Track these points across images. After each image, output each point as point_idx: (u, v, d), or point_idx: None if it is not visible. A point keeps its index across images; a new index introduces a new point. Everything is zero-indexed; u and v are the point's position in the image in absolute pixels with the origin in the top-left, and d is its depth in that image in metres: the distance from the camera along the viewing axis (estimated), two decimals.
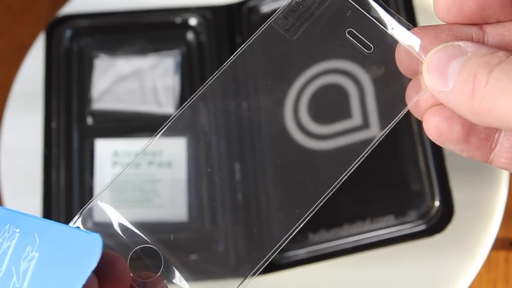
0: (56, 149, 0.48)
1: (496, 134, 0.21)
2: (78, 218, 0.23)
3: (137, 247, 0.22)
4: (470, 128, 0.20)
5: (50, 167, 0.47)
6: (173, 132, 0.45)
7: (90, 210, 0.23)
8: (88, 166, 0.48)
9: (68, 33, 0.51)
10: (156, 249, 0.23)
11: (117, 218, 0.24)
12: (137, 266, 0.23)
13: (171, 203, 0.47)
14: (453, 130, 0.20)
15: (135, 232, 0.23)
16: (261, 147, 0.48)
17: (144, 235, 0.23)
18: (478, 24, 0.21)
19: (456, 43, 0.20)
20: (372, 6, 0.23)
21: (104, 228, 0.23)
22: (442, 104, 0.20)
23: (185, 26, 0.51)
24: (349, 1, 0.22)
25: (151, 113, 0.49)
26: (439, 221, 0.42)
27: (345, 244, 0.43)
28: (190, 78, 0.50)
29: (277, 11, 0.23)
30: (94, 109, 0.49)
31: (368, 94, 0.45)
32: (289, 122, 0.40)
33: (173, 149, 0.48)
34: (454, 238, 0.44)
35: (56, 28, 0.50)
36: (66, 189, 0.47)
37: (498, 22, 0.21)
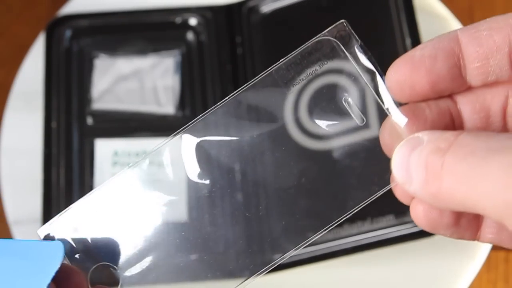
0: (56, 149, 0.48)
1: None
2: (46, 226, 0.23)
3: (96, 265, 0.22)
4: (459, 212, 0.20)
5: (50, 167, 0.47)
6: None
7: (60, 222, 0.23)
8: (88, 166, 0.48)
9: (68, 33, 0.51)
10: (114, 267, 0.23)
11: (82, 234, 0.24)
12: (96, 282, 0.23)
13: (171, 203, 0.47)
14: (443, 216, 0.21)
15: (97, 250, 0.23)
16: (261, 147, 0.48)
17: (104, 254, 0.23)
18: (449, 96, 0.21)
19: (416, 134, 0.20)
20: (377, 80, 0.23)
21: (68, 242, 0.23)
22: None
23: (185, 26, 0.51)
24: (355, 68, 0.22)
25: (151, 113, 0.49)
26: None
27: (345, 244, 0.43)
28: (190, 78, 0.50)
29: (280, 61, 0.23)
30: (94, 109, 0.49)
31: (368, 94, 0.45)
32: (289, 122, 0.40)
33: (173, 149, 0.48)
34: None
35: (56, 28, 0.50)
36: (66, 189, 0.47)
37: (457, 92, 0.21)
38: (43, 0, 0.59)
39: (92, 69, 0.50)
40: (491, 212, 0.17)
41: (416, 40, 0.44)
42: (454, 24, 0.50)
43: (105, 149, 0.48)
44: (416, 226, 0.43)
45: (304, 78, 0.24)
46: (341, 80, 0.48)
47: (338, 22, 0.22)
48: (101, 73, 0.50)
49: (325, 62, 0.23)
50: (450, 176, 0.18)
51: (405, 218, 0.43)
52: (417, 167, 0.19)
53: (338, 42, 0.22)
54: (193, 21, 0.51)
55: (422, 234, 0.42)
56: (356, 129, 0.47)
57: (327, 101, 0.47)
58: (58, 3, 0.55)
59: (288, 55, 0.23)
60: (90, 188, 0.47)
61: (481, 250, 0.45)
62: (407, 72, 0.20)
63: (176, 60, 0.50)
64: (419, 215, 0.21)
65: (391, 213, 0.43)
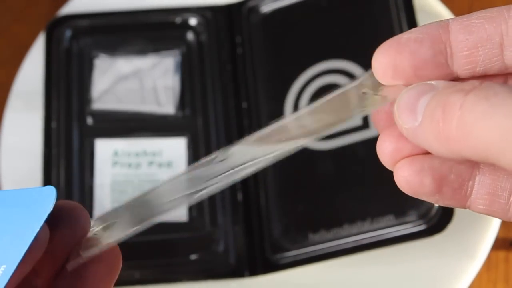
0: (56, 149, 0.48)
1: (470, 182, 0.20)
2: None
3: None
4: (441, 180, 0.20)
5: (50, 167, 0.47)
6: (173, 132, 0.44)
7: None
8: (88, 166, 0.48)
9: (68, 33, 0.51)
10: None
11: None
12: None
13: (171, 203, 0.47)
14: (424, 183, 0.20)
15: None
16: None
17: None
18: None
19: (428, 82, 0.19)
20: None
21: None
22: (410, 156, 0.20)
23: (185, 26, 0.51)
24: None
25: (151, 113, 0.49)
26: (439, 221, 0.42)
27: (345, 244, 0.43)
28: (190, 78, 0.50)
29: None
30: (94, 109, 0.49)
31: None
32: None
33: (173, 149, 0.48)
34: (454, 238, 0.44)
35: (56, 28, 0.50)
36: (66, 189, 0.47)
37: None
38: (43, 0, 0.59)
39: (92, 69, 0.50)
40: (506, 159, 0.16)
41: None
42: None
43: (105, 149, 0.48)
44: (416, 226, 0.43)
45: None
46: (341, 80, 0.48)
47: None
48: (101, 73, 0.50)
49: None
50: (468, 114, 0.17)
51: (405, 218, 0.43)
52: (431, 106, 0.18)
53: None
54: (193, 21, 0.51)
55: (422, 234, 0.42)
56: (356, 129, 0.47)
57: None
58: (58, 3, 0.55)
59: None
60: (90, 188, 0.47)
61: (481, 250, 0.45)
62: (391, 54, 0.20)
63: (176, 60, 0.50)
64: (401, 182, 0.21)
65: (391, 213, 0.43)
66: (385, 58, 0.20)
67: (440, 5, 0.51)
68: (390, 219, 0.43)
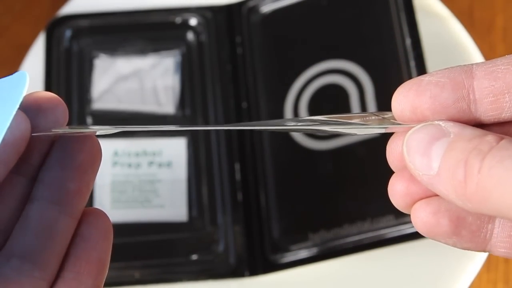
0: None
1: (490, 225, 0.20)
2: None
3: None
4: (458, 222, 0.20)
5: None
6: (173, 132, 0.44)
7: None
8: None
9: (68, 33, 0.51)
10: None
11: None
12: None
13: (171, 203, 0.47)
14: (440, 224, 0.20)
15: None
16: (261, 147, 0.48)
17: None
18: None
19: (436, 122, 0.19)
20: None
21: None
22: (426, 197, 0.20)
23: (185, 26, 0.51)
24: None
25: (151, 113, 0.49)
26: None
27: (345, 244, 0.43)
28: (190, 78, 0.50)
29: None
30: (94, 109, 0.49)
31: (368, 94, 0.45)
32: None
33: (173, 149, 0.48)
34: None
35: (56, 28, 0.50)
36: None
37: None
38: (43, 0, 0.59)
39: (92, 69, 0.50)
40: None
41: (416, 40, 0.44)
42: (454, 24, 0.50)
43: (105, 149, 0.48)
44: None
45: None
46: (341, 80, 0.48)
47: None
48: (101, 73, 0.50)
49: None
50: (485, 179, 0.17)
51: (405, 218, 0.43)
52: (451, 161, 0.18)
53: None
54: (193, 21, 0.51)
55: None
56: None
57: (327, 101, 0.47)
58: (58, 3, 0.55)
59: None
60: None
61: None
62: (410, 96, 0.20)
63: (176, 60, 0.50)
64: (418, 223, 0.21)
65: (391, 213, 0.43)
66: (404, 99, 0.20)
67: (440, 5, 0.51)
68: (390, 219, 0.43)
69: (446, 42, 0.50)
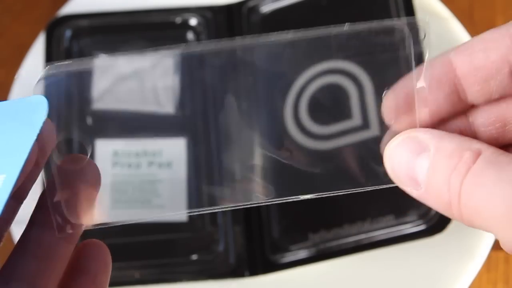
0: None
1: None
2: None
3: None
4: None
5: (50, 167, 0.47)
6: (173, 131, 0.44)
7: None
8: None
9: (68, 33, 0.51)
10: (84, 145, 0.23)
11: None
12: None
13: (171, 203, 0.47)
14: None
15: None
16: (262, 147, 0.47)
17: None
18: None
19: (412, 134, 0.19)
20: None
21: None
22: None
23: (185, 26, 0.51)
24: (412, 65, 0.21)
25: (151, 113, 0.49)
26: (439, 221, 0.42)
27: (345, 244, 0.43)
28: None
29: (343, 27, 0.22)
30: (94, 109, 0.49)
31: (368, 94, 0.45)
32: (289, 122, 0.40)
33: (173, 149, 0.48)
34: (454, 238, 0.44)
35: (56, 28, 0.50)
36: None
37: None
38: (43, 0, 0.59)
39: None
40: (505, 239, 0.18)
41: None
42: (454, 24, 0.50)
43: (105, 149, 0.48)
44: (416, 226, 0.43)
45: (358, 55, 0.23)
46: (341, 80, 0.48)
47: (420, 19, 0.21)
48: (101, 73, 0.50)
49: (387, 49, 0.22)
50: (466, 205, 0.18)
51: (405, 218, 0.43)
52: (435, 182, 0.19)
53: (410, 36, 0.21)
54: (193, 21, 0.51)
55: (422, 234, 0.42)
56: (356, 129, 0.47)
57: (327, 101, 0.47)
58: (58, 3, 0.55)
59: (355, 26, 0.22)
60: None
61: (481, 250, 0.45)
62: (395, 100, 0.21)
63: (176, 60, 0.50)
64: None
65: (391, 213, 0.43)
66: (391, 102, 0.20)
67: (440, 5, 0.51)
68: (390, 219, 0.43)
69: (446, 42, 0.50)
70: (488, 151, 0.18)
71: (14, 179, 0.18)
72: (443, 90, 0.20)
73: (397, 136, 0.20)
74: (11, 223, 0.21)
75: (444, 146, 0.19)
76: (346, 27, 0.22)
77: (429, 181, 0.19)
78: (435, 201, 0.19)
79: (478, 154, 0.18)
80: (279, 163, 0.42)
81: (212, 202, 0.47)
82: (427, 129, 0.19)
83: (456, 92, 0.20)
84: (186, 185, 0.47)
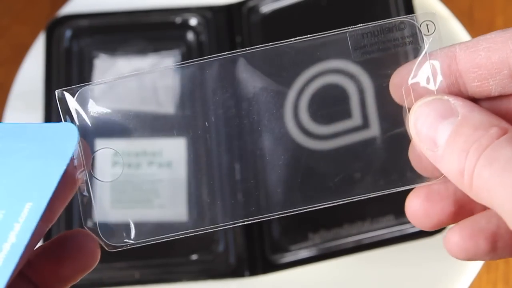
0: None
1: None
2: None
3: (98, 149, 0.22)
4: (494, 237, 0.20)
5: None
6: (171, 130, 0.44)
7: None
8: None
9: (68, 33, 0.51)
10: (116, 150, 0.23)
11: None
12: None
13: (171, 203, 0.47)
14: (479, 246, 0.20)
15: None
16: (262, 147, 0.47)
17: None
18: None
19: (445, 97, 0.20)
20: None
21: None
22: (460, 221, 0.21)
23: (185, 26, 0.51)
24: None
25: (151, 113, 0.49)
26: None
27: (345, 244, 0.43)
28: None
29: (357, 25, 0.22)
30: (94, 109, 0.49)
31: (368, 94, 0.45)
32: (289, 122, 0.40)
33: (173, 149, 0.48)
34: None
35: (56, 28, 0.50)
36: None
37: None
38: (43, 0, 0.59)
39: (92, 69, 0.50)
40: (507, 220, 0.17)
41: None
42: (454, 24, 0.50)
43: (105, 149, 0.48)
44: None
45: (374, 51, 0.23)
46: (341, 80, 0.48)
47: (428, 12, 0.22)
48: (101, 73, 0.50)
49: (400, 44, 0.23)
50: (477, 178, 0.18)
51: (405, 218, 0.42)
52: (454, 148, 0.19)
53: (421, 30, 0.22)
54: (193, 21, 0.51)
55: (422, 234, 0.42)
56: (356, 129, 0.47)
57: (327, 101, 0.47)
58: (58, 3, 0.55)
59: (367, 24, 0.22)
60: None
61: None
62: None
63: (176, 60, 0.50)
64: (453, 247, 0.21)
65: (391, 213, 0.43)
66: (398, 79, 0.21)
67: (440, 5, 0.51)
68: (390, 219, 0.43)
69: (446, 42, 0.50)
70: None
71: (42, 208, 0.18)
72: (446, 80, 0.20)
73: (428, 95, 0.20)
74: (36, 244, 0.21)
75: (473, 116, 0.19)
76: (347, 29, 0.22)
77: (448, 145, 0.19)
78: (448, 167, 0.19)
79: (504, 132, 0.18)
80: (280, 166, 0.42)
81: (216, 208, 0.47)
82: (460, 97, 0.20)
83: (457, 84, 0.20)
84: (186, 185, 0.47)
